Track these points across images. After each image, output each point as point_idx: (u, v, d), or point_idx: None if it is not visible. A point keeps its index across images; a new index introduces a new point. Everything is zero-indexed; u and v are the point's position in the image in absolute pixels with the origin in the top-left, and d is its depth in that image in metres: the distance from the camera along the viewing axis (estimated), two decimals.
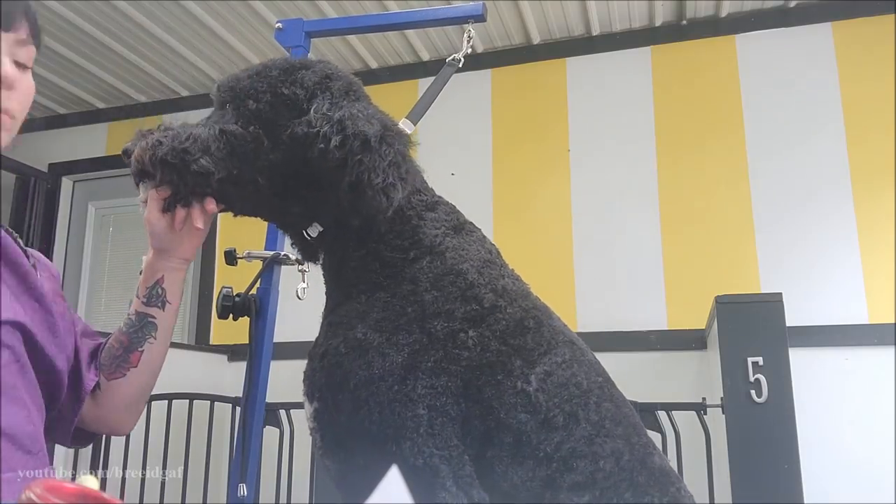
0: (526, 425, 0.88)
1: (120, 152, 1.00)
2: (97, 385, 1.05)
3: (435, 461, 0.86)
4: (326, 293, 1.07)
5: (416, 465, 0.86)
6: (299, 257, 1.15)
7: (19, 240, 0.99)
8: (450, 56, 1.42)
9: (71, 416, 1.03)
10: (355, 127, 0.93)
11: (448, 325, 0.92)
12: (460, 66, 1.41)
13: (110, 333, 1.11)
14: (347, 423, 0.91)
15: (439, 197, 1.09)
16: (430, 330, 0.92)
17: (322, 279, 1.09)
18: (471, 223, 1.08)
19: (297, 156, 0.96)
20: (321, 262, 1.08)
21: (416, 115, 1.29)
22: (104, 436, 2.44)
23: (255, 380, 1.32)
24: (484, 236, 1.07)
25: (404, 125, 1.23)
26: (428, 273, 0.97)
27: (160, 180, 0.97)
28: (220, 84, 1.04)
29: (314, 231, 1.04)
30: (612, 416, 0.92)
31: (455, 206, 1.09)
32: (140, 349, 1.05)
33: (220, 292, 1.30)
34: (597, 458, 0.88)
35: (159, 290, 1.05)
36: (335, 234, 1.03)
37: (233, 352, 3.45)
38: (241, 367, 1.39)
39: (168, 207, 1.00)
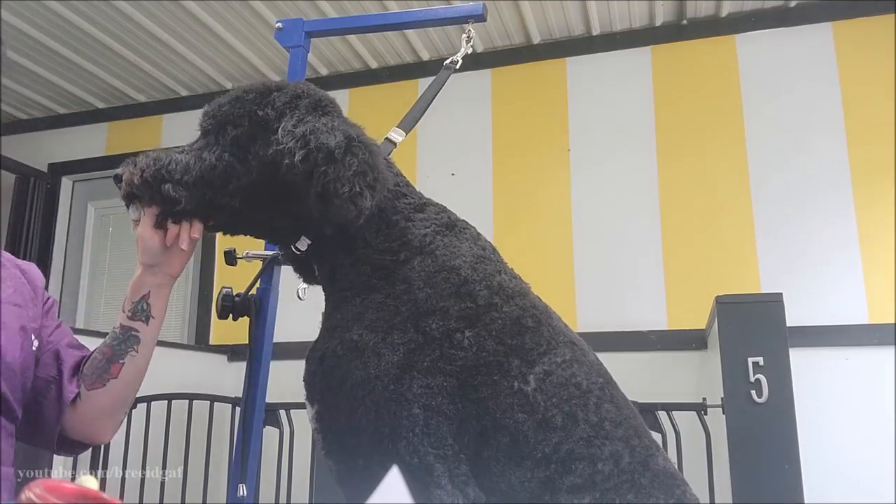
0: (523, 425, 0.88)
1: (112, 177, 1.07)
2: (77, 395, 1.08)
3: (430, 460, 0.87)
4: (325, 299, 1.08)
5: (411, 463, 0.87)
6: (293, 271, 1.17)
7: None
8: (448, 58, 1.42)
9: (53, 424, 1.07)
10: (318, 140, 0.95)
11: (443, 324, 0.92)
12: (457, 67, 1.40)
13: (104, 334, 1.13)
14: (346, 423, 0.92)
15: (428, 198, 1.09)
16: (425, 329, 0.92)
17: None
18: (463, 221, 1.08)
19: (269, 176, 0.99)
20: (317, 275, 1.10)
21: (410, 122, 1.30)
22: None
23: (255, 380, 1.32)
24: (478, 234, 1.07)
25: (395, 134, 1.24)
26: (420, 272, 0.97)
27: (147, 201, 1.03)
28: (205, 111, 1.08)
29: (303, 245, 1.06)
30: (613, 417, 0.92)
31: (445, 207, 1.10)
32: (121, 361, 1.08)
33: (219, 292, 1.29)
34: (595, 459, 0.88)
35: (144, 305, 1.09)
36: (323, 245, 1.05)
37: (233, 352, 3.45)
38: (241, 367, 1.39)
39: (159, 224, 1.04)
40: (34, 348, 1.06)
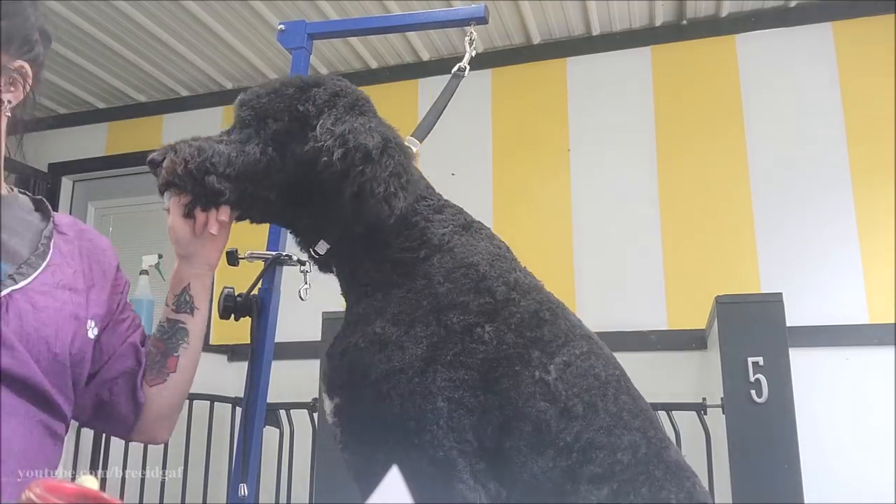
0: (545, 413, 0.90)
1: (146, 162, 1.06)
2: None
3: (454, 454, 0.88)
4: (345, 295, 1.10)
5: (435, 456, 0.88)
6: (301, 259, 1.19)
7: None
8: (451, 59, 1.43)
9: (131, 421, 1.07)
10: (356, 140, 0.97)
11: (464, 319, 0.94)
12: (465, 75, 1.42)
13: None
14: (369, 416, 0.94)
15: (446, 200, 1.12)
16: (447, 322, 0.94)
17: (324, 279, 1.12)
18: (479, 222, 1.10)
19: (302, 172, 1.01)
20: (334, 272, 1.12)
21: (424, 130, 1.33)
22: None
23: (255, 380, 1.32)
24: (493, 234, 1.10)
25: (409, 143, 1.26)
26: (440, 268, 0.99)
27: (189, 191, 1.03)
28: (242, 101, 1.08)
29: (322, 248, 1.08)
30: (630, 408, 0.95)
31: (462, 208, 1.12)
32: (176, 354, 1.09)
33: (221, 292, 1.30)
34: (615, 449, 0.90)
35: (187, 297, 1.09)
36: (343, 249, 1.07)
37: (233, 352, 3.44)
38: (242, 367, 1.39)
39: (188, 213, 1.04)
40: (92, 336, 1.01)
